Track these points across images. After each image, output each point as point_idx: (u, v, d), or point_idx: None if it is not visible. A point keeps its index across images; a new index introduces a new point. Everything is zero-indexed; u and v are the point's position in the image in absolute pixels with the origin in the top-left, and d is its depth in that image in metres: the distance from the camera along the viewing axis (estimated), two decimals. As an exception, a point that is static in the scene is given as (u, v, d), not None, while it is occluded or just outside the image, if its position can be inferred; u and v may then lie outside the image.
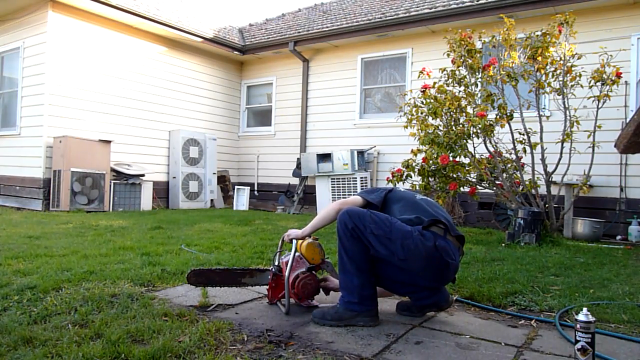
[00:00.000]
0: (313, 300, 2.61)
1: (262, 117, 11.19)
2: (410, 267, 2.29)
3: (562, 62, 5.50)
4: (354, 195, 2.46)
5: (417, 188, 5.84)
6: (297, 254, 2.59)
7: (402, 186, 5.64)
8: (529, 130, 5.63)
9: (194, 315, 2.33)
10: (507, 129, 5.67)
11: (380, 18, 8.66)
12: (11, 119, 8.53)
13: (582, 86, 5.53)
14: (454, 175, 5.74)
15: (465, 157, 5.64)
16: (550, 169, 5.61)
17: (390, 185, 2.62)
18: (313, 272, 2.57)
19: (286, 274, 2.45)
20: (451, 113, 5.60)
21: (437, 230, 2.29)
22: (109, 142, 8.08)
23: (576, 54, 5.46)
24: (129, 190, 8.34)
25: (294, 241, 2.51)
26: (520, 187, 5.62)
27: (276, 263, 2.59)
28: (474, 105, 5.66)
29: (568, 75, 5.52)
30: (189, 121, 9.97)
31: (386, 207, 2.47)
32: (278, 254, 2.64)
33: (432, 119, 5.74)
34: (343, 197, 8.44)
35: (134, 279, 2.96)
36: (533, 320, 2.47)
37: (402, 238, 2.22)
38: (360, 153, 8.59)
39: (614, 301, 2.75)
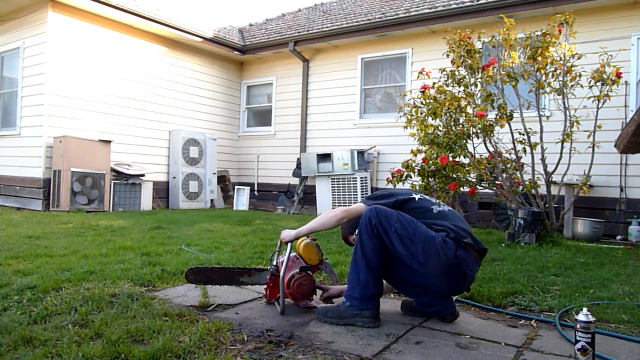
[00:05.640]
0: (311, 301, 2.60)
1: (262, 117, 11.18)
2: (427, 271, 2.28)
3: (562, 62, 5.49)
4: (359, 201, 2.44)
5: (417, 188, 5.83)
6: (294, 254, 2.58)
7: (401, 186, 5.70)
8: (529, 130, 5.63)
9: (194, 315, 2.33)
10: (507, 129, 5.67)
11: (380, 18, 8.65)
12: (11, 119, 8.53)
13: (582, 86, 5.53)
14: (454, 176, 5.73)
15: (465, 157, 5.64)
16: (550, 169, 5.61)
17: (408, 190, 2.53)
18: (309, 272, 2.56)
19: (281, 273, 2.45)
20: (451, 113, 5.59)
21: (460, 242, 2.26)
22: (109, 142, 8.08)
23: (576, 54, 5.45)
24: (129, 190, 8.34)
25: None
26: (520, 187, 5.62)
27: (274, 263, 2.57)
28: (474, 106, 5.65)
29: (568, 75, 5.51)
30: (189, 121, 9.97)
31: None
32: (276, 253, 2.62)
33: (432, 119, 5.73)
34: (343, 197, 8.44)
35: (134, 279, 2.96)
36: (533, 320, 2.47)
37: (424, 242, 2.22)
38: (360, 153, 8.59)
39: (614, 301, 2.75)
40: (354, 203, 8.48)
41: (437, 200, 2.52)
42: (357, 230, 2.36)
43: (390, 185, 5.71)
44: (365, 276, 2.28)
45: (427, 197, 2.53)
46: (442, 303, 2.41)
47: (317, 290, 2.64)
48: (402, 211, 2.35)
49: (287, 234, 2.51)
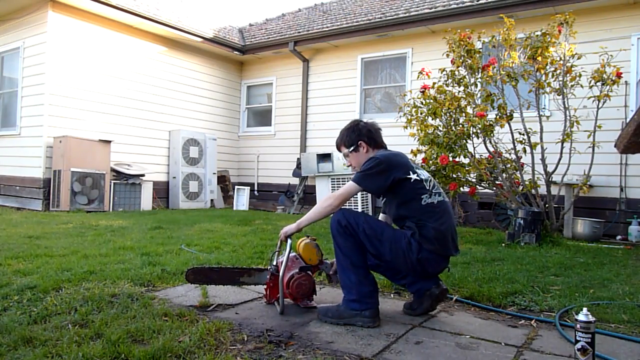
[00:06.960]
0: (311, 301, 2.60)
1: (262, 117, 11.19)
2: (397, 266, 2.48)
3: (562, 62, 5.49)
4: (349, 181, 2.43)
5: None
6: (294, 254, 2.58)
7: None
8: (529, 130, 5.62)
9: (194, 315, 2.34)
10: (507, 129, 5.67)
11: (380, 18, 8.65)
12: (11, 119, 8.53)
13: (582, 86, 5.53)
14: (454, 176, 5.73)
15: (465, 157, 5.64)
16: (550, 169, 5.61)
17: (407, 163, 2.49)
18: (309, 272, 2.56)
19: (281, 273, 2.45)
20: (451, 113, 5.60)
21: (425, 245, 2.33)
22: (109, 142, 8.08)
23: (576, 54, 5.45)
24: (129, 190, 8.34)
25: (289, 240, 2.49)
26: (520, 187, 5.62)
27: (274, 263, 2.58)
28: (474, 106, 5.66)
29: (568, 75, 5.51)
30: (189, 121, 9.97)
31: (390, 194, 2.47)
32: (276, 253, 2.63)
33: (432, 119, 5.73)
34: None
35: (134, 279, 2.96)
36: (533, 320, 2.47)
37: (391, 242, 2.36)
38: (360, 153, 8.57)
39: (614, 301, 2.75)
40: (354, 203, 8.51)
41: (432, 186, 2.44)
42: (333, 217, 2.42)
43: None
44: (356, 276, 2.35)
45: (424, 179, 2.44)
46: (423, 281, 2.52)
47: (316, 289, 2.64)
48: (395, 190, 2.42)
49: (288, 228, 2.52)
